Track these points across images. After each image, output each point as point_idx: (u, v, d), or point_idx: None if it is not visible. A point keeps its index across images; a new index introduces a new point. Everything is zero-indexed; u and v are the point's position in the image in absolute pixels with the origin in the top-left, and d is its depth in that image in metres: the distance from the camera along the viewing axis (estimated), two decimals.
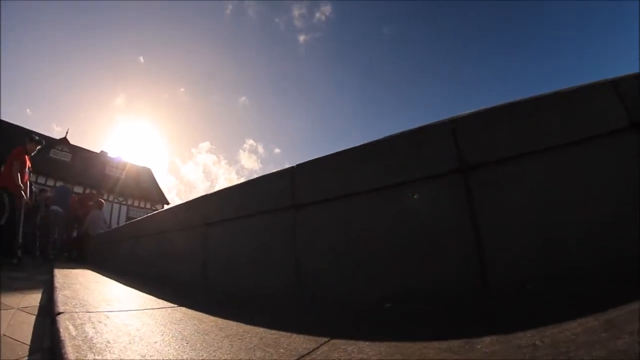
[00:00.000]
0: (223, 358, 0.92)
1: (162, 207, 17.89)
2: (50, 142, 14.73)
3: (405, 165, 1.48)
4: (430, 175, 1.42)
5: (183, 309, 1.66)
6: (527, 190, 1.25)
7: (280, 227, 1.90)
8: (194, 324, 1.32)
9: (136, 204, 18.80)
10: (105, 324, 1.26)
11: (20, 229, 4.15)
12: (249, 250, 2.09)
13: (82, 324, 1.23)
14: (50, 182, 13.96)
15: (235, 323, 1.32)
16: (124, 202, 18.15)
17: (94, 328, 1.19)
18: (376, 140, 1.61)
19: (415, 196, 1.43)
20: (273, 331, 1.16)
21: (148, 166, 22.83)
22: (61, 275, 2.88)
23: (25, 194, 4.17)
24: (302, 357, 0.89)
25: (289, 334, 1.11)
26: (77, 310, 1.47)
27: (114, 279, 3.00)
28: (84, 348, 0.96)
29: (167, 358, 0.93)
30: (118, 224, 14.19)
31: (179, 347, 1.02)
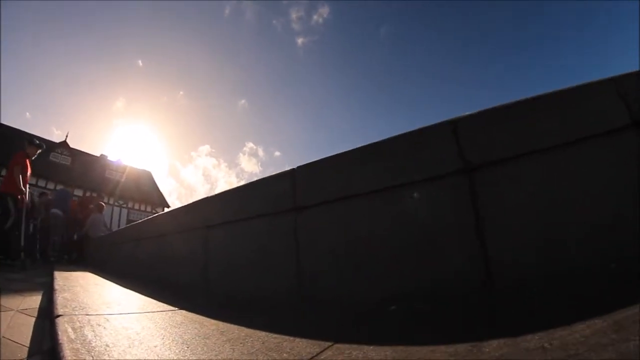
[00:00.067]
0: None
1: (163, 210, 17.86)
2: (50, 146, 14.78)
3: (405, 167, 1.48)
4: (429, 177, 1.41)
5: (183, 312, 1.65)
6: (527, 191, 1.25)
7: (282, 229, 1.89)
8: (195, 328, 1.30)
9: (136, 207, 18.81)
10: (105, 327, 1.24)
11: (23, 232, 4.18)
12: (250, 252, 2.08)
13: (81, 326, 1.22)
14: (50, 186, 13.99)
15: (236, 326, 1.30)
16: (124, 205, 18.16)
17: (93, 331, 1.17)
18: (376, 142, 1.61)
19: (415, 194, 1.42)
20: (275, 335, 1.14)
21: (148, 169, 22.91)
22: (61, 278, 2.86)
23: (26, 196, 4.21)
24: None
25: (291, 337, 1.09)
26: (76, 312, 1.46)
27: (114, 282, 2.98)
28: (83, 351, 0.95)
29: None
30: (118, 227, 14.17)
31: (180, 352, 1.00)
